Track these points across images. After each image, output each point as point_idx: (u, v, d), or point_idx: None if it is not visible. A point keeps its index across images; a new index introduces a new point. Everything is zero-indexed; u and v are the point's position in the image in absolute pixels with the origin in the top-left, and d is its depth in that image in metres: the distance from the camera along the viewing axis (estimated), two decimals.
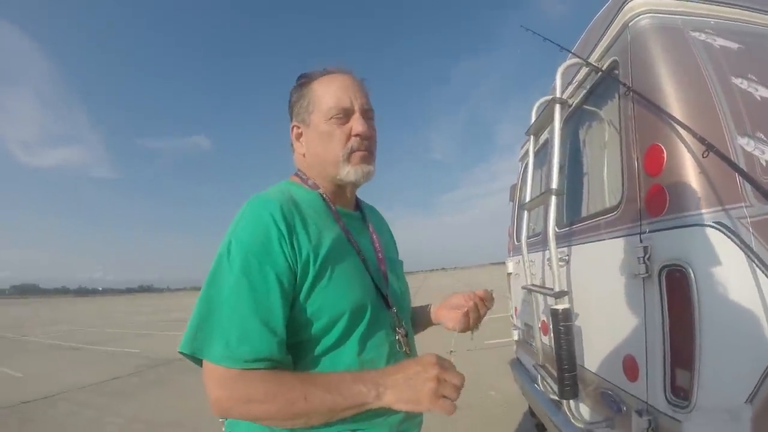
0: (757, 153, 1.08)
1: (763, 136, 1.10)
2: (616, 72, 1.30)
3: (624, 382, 1.23)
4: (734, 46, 1.22)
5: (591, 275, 1.41)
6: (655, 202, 1.07)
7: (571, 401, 1.39)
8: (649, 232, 1.10)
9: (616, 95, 1.30)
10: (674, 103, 1.07)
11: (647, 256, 1.08)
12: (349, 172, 0.81)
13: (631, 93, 1.17)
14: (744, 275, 0.99)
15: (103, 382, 5.45)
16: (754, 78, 1.17)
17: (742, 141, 1.07)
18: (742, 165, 1.05)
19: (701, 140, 1.02)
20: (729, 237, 0.98)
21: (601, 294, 1.35)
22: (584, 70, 1.55)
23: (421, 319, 1.04)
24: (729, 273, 0.98)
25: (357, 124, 0.80)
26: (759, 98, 1.15)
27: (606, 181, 1.42)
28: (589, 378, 1.44)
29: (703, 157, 1.01)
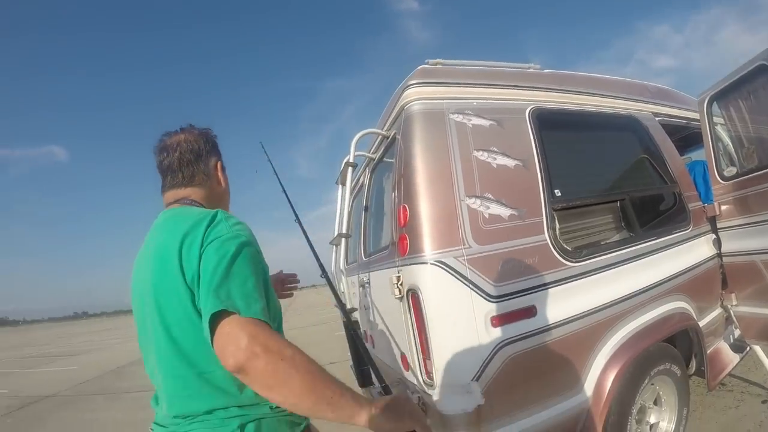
0: (482, 209, 1.52)
1: (490, 195, 1.54)
2: (397, 140, 1.71)
3: (404, 372, 1.69)
4: (487, 123, 1.65)
5: (380, 296, 1.86)
6: (402, 245, 1.52)
7: (379, 391, 1.84)
8: (401, 266, 1.54)
9: (396, 159, 1.72)
10: (419, 175, 1.50)
11: (400, 283, 1.53)
12: None
13: (401, 161, 1.59)
14: (460, 295, 1.44)
15: None
16: (495, 149, 1.61)
17: (470, 201, 1.51)
18: (467, 219, 1.48)
19: (433, 204, 1.46)
20: (446, 270, 1.43)
21: (387, 310, 1.80)
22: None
23: None
24: (446, 294, 1.43)
25: None
26: (495, 166, 1.59)
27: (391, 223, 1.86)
28: (389, 371, 1.90)
29: (432, 216, 1.45)
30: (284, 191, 1.49)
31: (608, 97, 1.99)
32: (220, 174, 1.10)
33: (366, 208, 2.26)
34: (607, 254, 1.73)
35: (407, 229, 1.50)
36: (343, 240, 1.79)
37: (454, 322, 1.43)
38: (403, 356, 1.66)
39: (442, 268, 1.43)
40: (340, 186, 2.21)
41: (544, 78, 1.87)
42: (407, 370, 1.64)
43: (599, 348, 1.67)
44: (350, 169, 1.84)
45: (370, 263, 2.01)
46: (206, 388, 0.84)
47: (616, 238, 1.83)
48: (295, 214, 1.40)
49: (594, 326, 1.65)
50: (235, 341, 0.70)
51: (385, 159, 2.00)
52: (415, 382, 1.60)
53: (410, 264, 1.48)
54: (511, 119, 1.70)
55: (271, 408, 0.87)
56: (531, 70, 1.89)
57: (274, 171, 1.49)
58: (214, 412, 0.83)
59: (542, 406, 1.54)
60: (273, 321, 0.84)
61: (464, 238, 1.47)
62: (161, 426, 0.91)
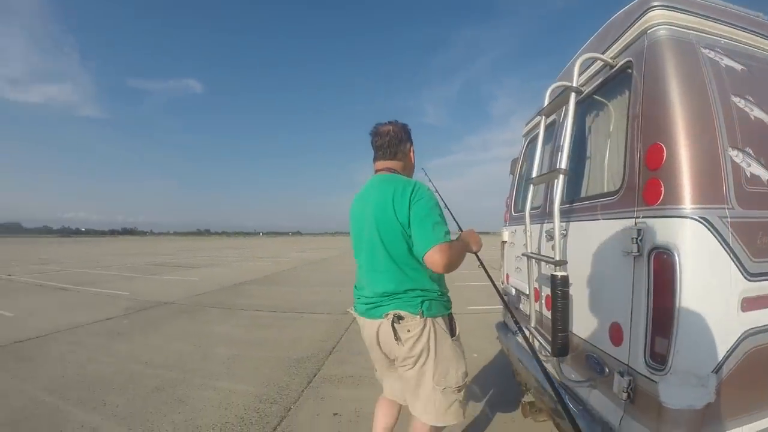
0: (744, 165, 1.23)
1: (751, 151, 1.25)
2: (629, 71, 1.43)
3: (609, 346, 1.41)
4: (738, 67, 1.35)
5: (586, 249, 1.57)
6: (652, 192, 1.23)
7: (557, 362, 1.56)
8: (644, 217, 1.26)
9: (626, 92, 1.43)
10: (678, 110, 1.21)
11: (640, 238, 1.25)
12: None
13: (637, 94, 1.31)
14: (721, 265, 1.16)
15: (94, 323, 5.44)
16: (751, 99, 1.32)
17: (733, 153, 1.22)
18: (730, 174, 1.20)
19: (698, 146, 1.17)
20: (711, 231, 1.15)
21: (594, 267, 1.52)
22: (599, 63, 1.66)
23: None
24: (708, 262, 1.15)
25: None
26: (753, 118, 1.30)
27: (607, 168, 1.57)
28: (576, 342, 1.62)
29: (697, 161, 1.16)
30: (447, 207, 2.01)
31: None
32: (411, 154, 1.70)
33: (561, 149, 1.93)
34: None
35: (662, 173, 1.21)
36: (561, 176, 1.48)
37: (709, 297, 1.15)
38: (615, 327, 1.38)
39: (707, 227, 1.14)
40: (544, 117, 1.88)
41: None
42: (617, 345, 1.36)
43: None
44: (573, 95, 1.52)
45: (570, 211, 1.72)
46: (404, 277, 1.46)
47: None
48: (456, 223, 2.18)
49: None
50: (439, 255, 1.35)
51: (595, 96, 1.70)
52: (626, 362, 1.32)
53: (661, 216, 1.20)
54: (759, 68, 1.41)
55: (438, 294, 1.52)
56: (759, 19, 1.59)
57: (437, 191, 1.94)
58: (407, 292, 1.46)
59: (754, 416, 1.27)
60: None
61: (727, 196, 1.18)
62: (365, 302, 1.54)
